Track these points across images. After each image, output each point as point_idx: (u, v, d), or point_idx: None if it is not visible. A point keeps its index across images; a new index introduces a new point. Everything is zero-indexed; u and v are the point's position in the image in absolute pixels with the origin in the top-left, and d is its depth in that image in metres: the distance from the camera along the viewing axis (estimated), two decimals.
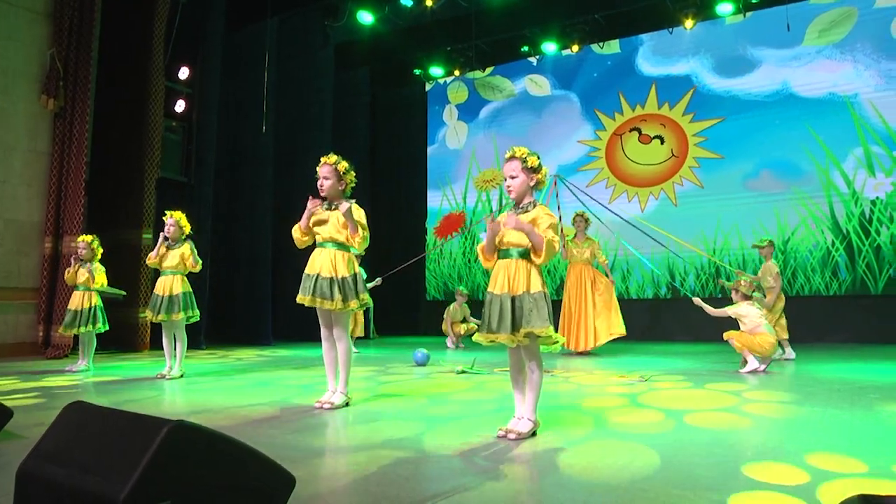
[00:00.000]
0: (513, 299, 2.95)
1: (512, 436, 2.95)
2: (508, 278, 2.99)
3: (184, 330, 5.59)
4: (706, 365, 6.36)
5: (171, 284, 5.51)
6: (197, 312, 5.62)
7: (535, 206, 3.08)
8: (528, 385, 3.04)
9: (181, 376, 5.53)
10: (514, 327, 2.92)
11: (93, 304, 6.11)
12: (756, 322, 5.99)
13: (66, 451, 1.63)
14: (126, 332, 8.33)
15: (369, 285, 8.63)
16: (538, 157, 3.12)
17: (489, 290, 3.06)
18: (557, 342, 2.98)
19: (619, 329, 7.68)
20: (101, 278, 6.20)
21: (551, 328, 2.92)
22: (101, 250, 6.30)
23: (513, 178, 3.08)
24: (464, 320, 9.69)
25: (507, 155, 3.12)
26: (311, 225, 3.97)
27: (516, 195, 3.09)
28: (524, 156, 3.08)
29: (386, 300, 12.03)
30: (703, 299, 6.54)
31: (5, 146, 7.87)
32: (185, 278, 5.62)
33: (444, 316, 9.67)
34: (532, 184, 3.09)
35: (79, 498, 1.48)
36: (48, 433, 1.75)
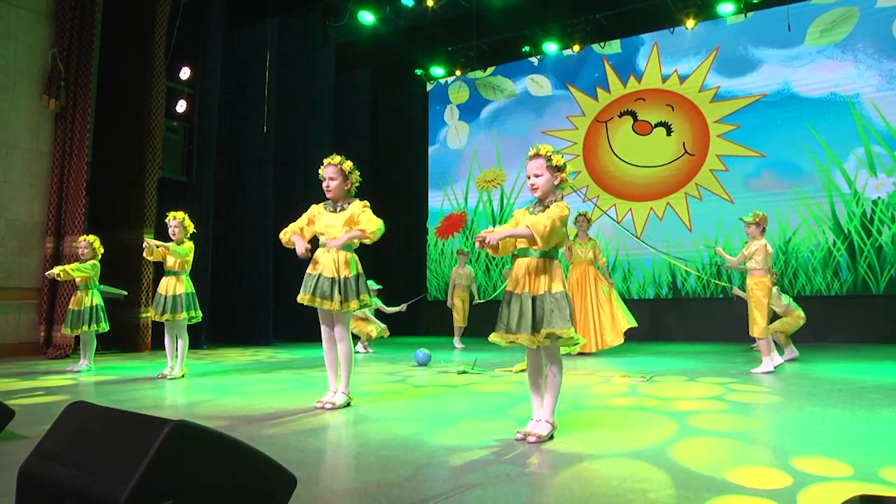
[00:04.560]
0: (533, 299, 2.87)
1: (532, 439, 2.88)
2: (529, 278, 2.91)
3: (185, 330, 5.60)
4: (708, 365, 6.35)
5: (174, 284, 5.53)
6: (199, 313, 5.63)
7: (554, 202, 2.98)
8: (548, 387, 2.99)
9: (182, 376, 5.54)
10: (535, 328, 2.84)
11: (94, 304, 6.11)
12: (759, 265, 5.78)
13: (67, 451, 1.63)
14: (127, 332, 8.34)
15: (392, 309, 8.72)
16: (562, 156, 3.02)
17: (508, 289, 2.97)
18: (578, 343, 2.93)
19: (630, 322, 7.46)
20: (77, 272, 6.03)
21: (573, 329, 2.85)
22: (101, 249, 6.30)
23: (537, 176, 2.97)
24: (468, 287, 9.54)
25: (531, 152, 3.01)
26: (311, 229, 4.02)
27: (541, 194, 2.98)
28: (549, 154, 2.97)
29: (387, 301, 12.03)
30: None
31: (7, 146, 7.88)
32: (188, 278, 5.63)
33: (449, 281, 9.61)
34: (556, 182, 2.98)
35: (80, 498, 1.48)
36: (49, 433, 1.75)
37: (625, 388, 4.66)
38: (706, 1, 10.21)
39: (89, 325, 6.05)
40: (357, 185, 4.03)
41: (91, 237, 6.26)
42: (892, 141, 9.17)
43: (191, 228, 5.68)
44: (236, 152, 10.67)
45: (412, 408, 3.95)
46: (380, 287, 8.70)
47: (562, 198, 3.02)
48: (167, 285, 5.54)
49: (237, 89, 10.57)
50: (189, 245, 5.62)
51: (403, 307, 8.80)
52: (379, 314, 8.86)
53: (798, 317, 6.94)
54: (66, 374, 5.95)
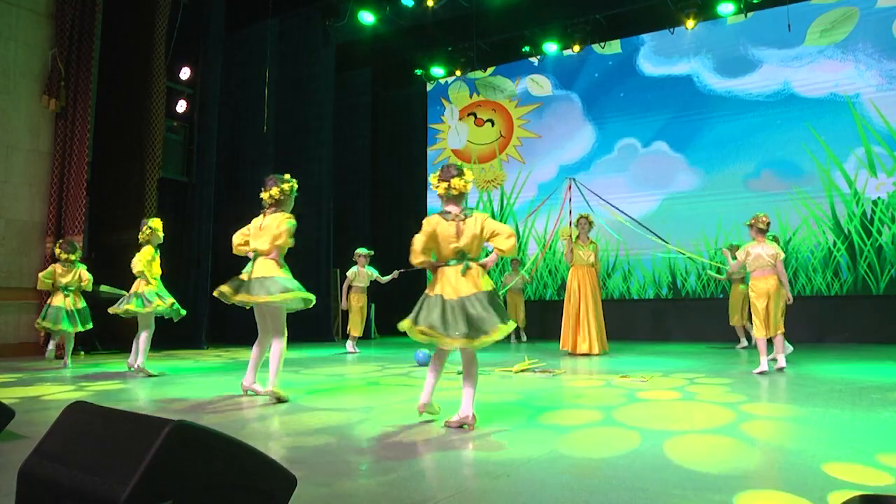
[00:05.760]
0: (457, 302, 3.11)
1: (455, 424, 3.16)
2: (451, 283, 3.18)
3: (152, 324, 5.91)
4: (708, 365, 6.35)
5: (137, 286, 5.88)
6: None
7: (464, 218, 3.25)
8: (469, 383, 3.21)
9: (136, 370, 5.74)
10: (469, 329, 3.04)
11: (52, 305, 6.25)
12: (755, 265, 5.71)
13: (67, 451, 1.63)
14: (126, 332, 8.33)
15: (386, 278, 8.81)
16: (439, 171, 3.34)
17: (435, 293, 3.22)
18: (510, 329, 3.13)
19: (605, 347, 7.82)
20: (89, 284, 6.41)
21: (502, 326, 3.04)
22: (58, 249, 6.39)
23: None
24: None
25: None
26: None
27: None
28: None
29: (387, 300, 12.03)
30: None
31: (7, 146, 7.88)
32: (145, 282, 5.87)
33: None
34: (441, 193, 3.28)
35: (80, 498, 1.48)
36: (49, 433, 1.74)
37: (625, 389, 4.65)
38: (706, 1, 10.22)
39: (53, 325, 6.16)
40: (273, 197, 4.29)
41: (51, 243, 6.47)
42: (892, 141, 9.17)
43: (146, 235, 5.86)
44: (236, 152, 10.67)
45: (413, 408, 3.95)
46: (371, 253, 8.86)
47: (476, 207, 3.34)
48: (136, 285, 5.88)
49: (237, 89, 10.56)
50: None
51: (396, 274, 8.86)
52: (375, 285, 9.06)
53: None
54: (64, 370, 5.99)
